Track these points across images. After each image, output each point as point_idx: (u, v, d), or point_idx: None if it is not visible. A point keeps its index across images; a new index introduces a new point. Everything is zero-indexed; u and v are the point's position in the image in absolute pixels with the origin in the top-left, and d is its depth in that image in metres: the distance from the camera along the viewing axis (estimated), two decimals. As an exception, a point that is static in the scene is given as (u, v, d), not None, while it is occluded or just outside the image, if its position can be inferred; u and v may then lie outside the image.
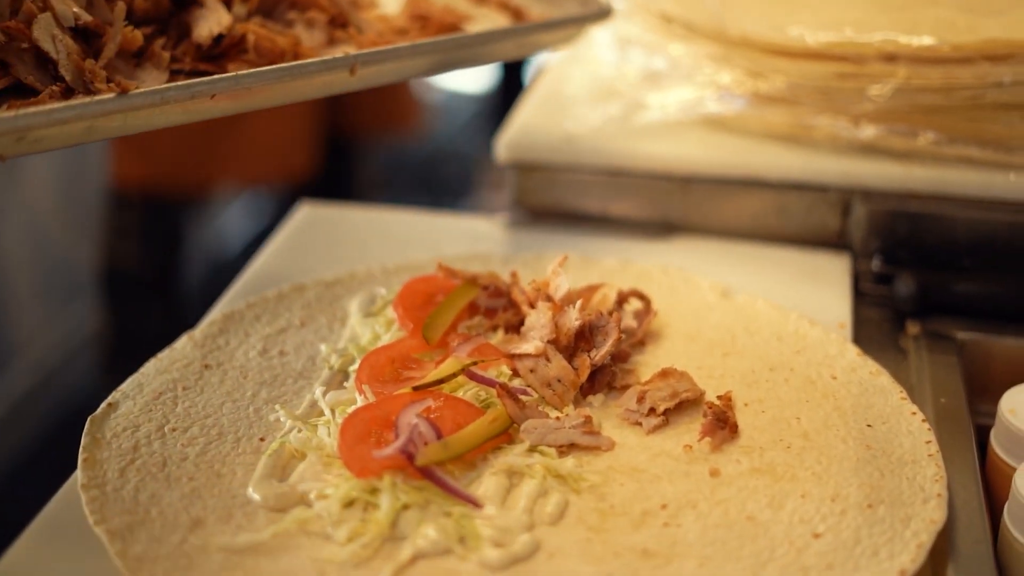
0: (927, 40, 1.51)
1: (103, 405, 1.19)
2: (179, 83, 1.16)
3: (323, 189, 3.26)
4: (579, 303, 1.25)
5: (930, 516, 1.08)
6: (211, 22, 1.29)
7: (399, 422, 1.10)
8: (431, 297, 1.33)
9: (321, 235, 1.61)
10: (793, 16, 1.63)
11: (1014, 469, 1.26)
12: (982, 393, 1.40)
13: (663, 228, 1.63)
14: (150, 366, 1.26)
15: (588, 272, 1.46)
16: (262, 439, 1.16)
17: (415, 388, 1.16)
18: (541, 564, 1.01)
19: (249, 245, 3.52)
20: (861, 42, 1.53)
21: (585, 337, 1.25)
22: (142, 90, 1.13)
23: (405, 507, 1.05)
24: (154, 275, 3.27)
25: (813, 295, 1.48)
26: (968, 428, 1.28)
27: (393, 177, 4.50)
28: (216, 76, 1.19)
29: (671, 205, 1.62)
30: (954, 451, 1.22)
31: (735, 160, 1.61)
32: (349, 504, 1.06)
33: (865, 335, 1.43)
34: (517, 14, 1.54)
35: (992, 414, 1.32)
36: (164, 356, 1.28)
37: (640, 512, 1.08)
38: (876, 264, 1.54)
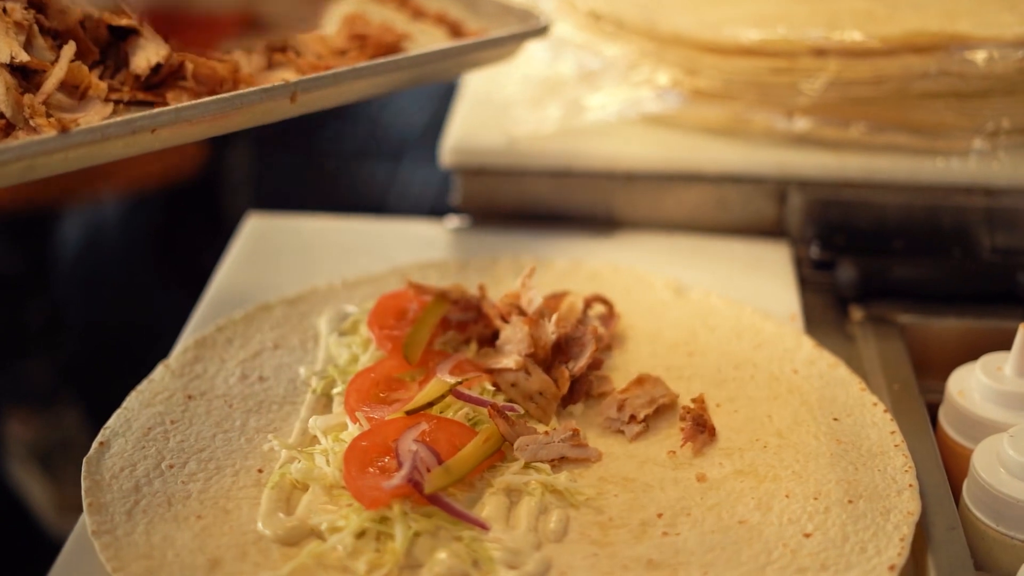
0: (856, 35, 1.57)
1: (95, 444, 1.20)
2: (119, 119, 1.17)
3: (206, 187, 3.23)
4: (555, 317, 1.29)
5: (907, 508, 1.14)
6: (149, 52, 1.29)
7: (399, 449, 1.13)
8: (403, 314, 1.35)
9: (272, 247, 1.63)
10: (719, 11, 1.68)
11: (964, 448, 1.33)
12: (926, 372, 1.46)
13: (608, 224, 1.68)
14: (133, 399, 1.27)
15: (541, 275, 1.49)
16: (260, 470, 1.18)
17: (407, 412, 1.19)
18: (555, 583, 1.06)
19: (130, 246, 3.48)
20: (793, 39, 1.59)
21: (562, 349, 1.29)
22: (83, 127, 1.14)
23: (416, 534, 1.08)
24: (25, 275, 3.21)
25: (760, 286, 1.54)
26: (924, 414, 1.35)
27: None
28: (157, 110, 1.20)
29: (615, 202, 1.67)
30: (914, 437, 1.28)
31: (675, 155, 1.66)
32: (361, 535, 1.09)
33: (812, 322, 1.50)
34: (455, 29, 1.56)
35: (936, 391, 1.39)
36: (144, 388, 1.29)
37: (639, 523, 1.12)
38: (814, 251, 1.61)
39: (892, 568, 1.07)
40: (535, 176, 1.67)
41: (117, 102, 1.26)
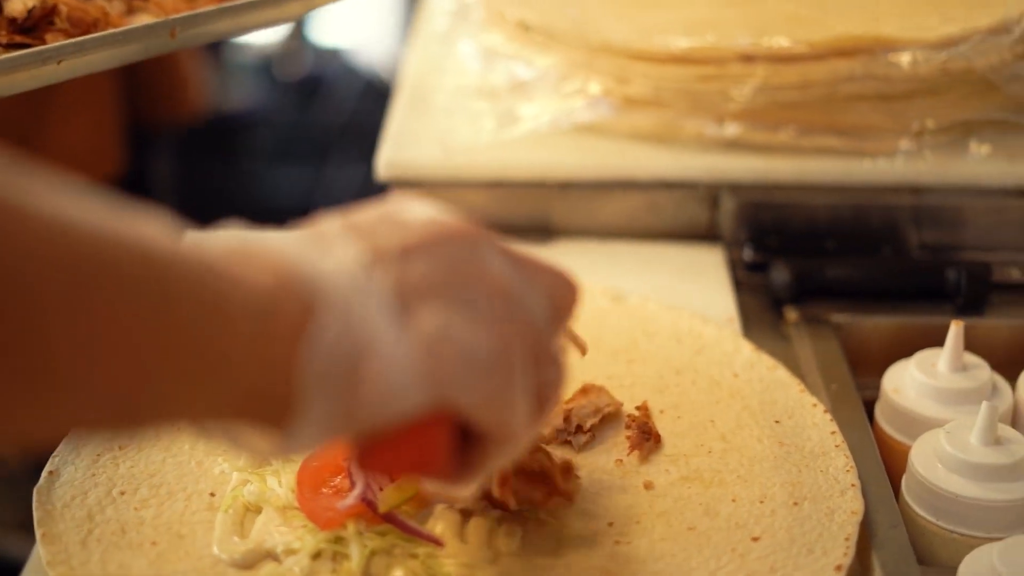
0: (783, 41, 1.60)
1: (44, 474, 1.20)
2: (29, 50, 1.21)
3: (135, 187, 3.20)
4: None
5: (850, 508, 1.17)
6: None
7: (352, 468, 1.14)
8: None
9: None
10: (649, 17, 1.70)
11: (901, 444, 1.37)
12: (861, 370, 1.49)
13: (544, 233, 1.69)
14: (79, 426, 1.27)
15: (482, 285, 1.51)
16: (212, 494, 1.19)
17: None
18: (513, 597, 1.07)
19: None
20: (721, 46, 1.62)
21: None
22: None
23: (372, 553, 1.09)
24: None
25: (696, 290, 1.57)
26: (862, 412, 1.38)
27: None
28: (61, 43, 1.24)
29: (550, 211, 1.69)
30: (853, 436, 1.30)
31: (608, 163, 1.68)
32: (316, 556, 1.09)
33: (748, 324, 1.52)
34: None
35: (871, 387, 1.43)
36: (90, 415, 1.28)
37: (591, 532, 1.14)
38: (748, 253, 1.64)
39: (839, 568, 1.09)
40: (471, 187, 1.68)
41: None
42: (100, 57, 1.28)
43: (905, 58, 1.59)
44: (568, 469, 1.17)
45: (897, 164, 1.65)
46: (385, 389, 0.81)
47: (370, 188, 1.69)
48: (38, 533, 1.13)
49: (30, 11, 1.29)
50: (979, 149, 1.66)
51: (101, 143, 3.16)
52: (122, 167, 3.21)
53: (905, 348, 1.50)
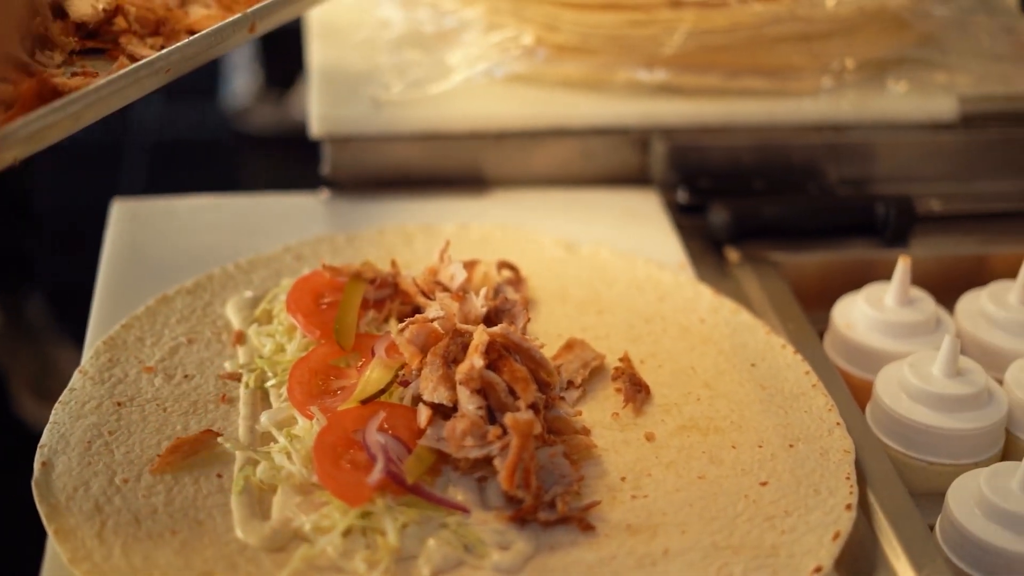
0: (711, -15, 1.63)
1: (37, 465, 1.16)
2: (141, 63, 1.22)
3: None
4: (483, 291, 1.31)
5: (841, 446, 1.22)
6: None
7: (368, 442, 1.14)
8: (319, 296, 1.35)
9: (149, 233, 1.58)
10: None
11: (852, 376, 1.43)
12: (805, 306, 1.54)
13: (479, 184, 1.69)
14: (60, 412, 1.23)
15: (431, 242, 1.50)
16: (219, 475, 1.17)
17: (362, 402, 1.19)
18: (548, 559, 1.09)
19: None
20: (649, -8, 1.64)
21: (492, 322, 1.30)
22: (123, 71, 1.20)
23: (404, 526, 1.09)
24: None
25: (641, 235, 1.60)
26: (822, 350, 1.43)
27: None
28: (166, 51, 1.25)
29: (484, 161, 1.69)
30: (821, 374, 1.35)
31: (540, 112, 1.69)
32: (347, 533, 1.09)
33: (693, 267, 1.56)
34: None
35: (816, 322, 1.48)
36: (69, 399, 1.25)
37: (606, 488, 1.16)
38: (682, 196, 1.67)
39: (849, 507, 1.14)
40: (404, 141, 1.67)
41: (71, 52, 1.28)
42: (198, 58, 1.29)
43: (831, 0, 1.63)
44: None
45: (820, 103, 1.70)
46: None
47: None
48: (49, 529, 1.09)
49: (104, 11, 1.28)
50: (896, 86, 1.72)
51: None
52: None
53: (839, 281, 1.57)
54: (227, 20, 1.31)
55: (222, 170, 4.07)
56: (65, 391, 1.26)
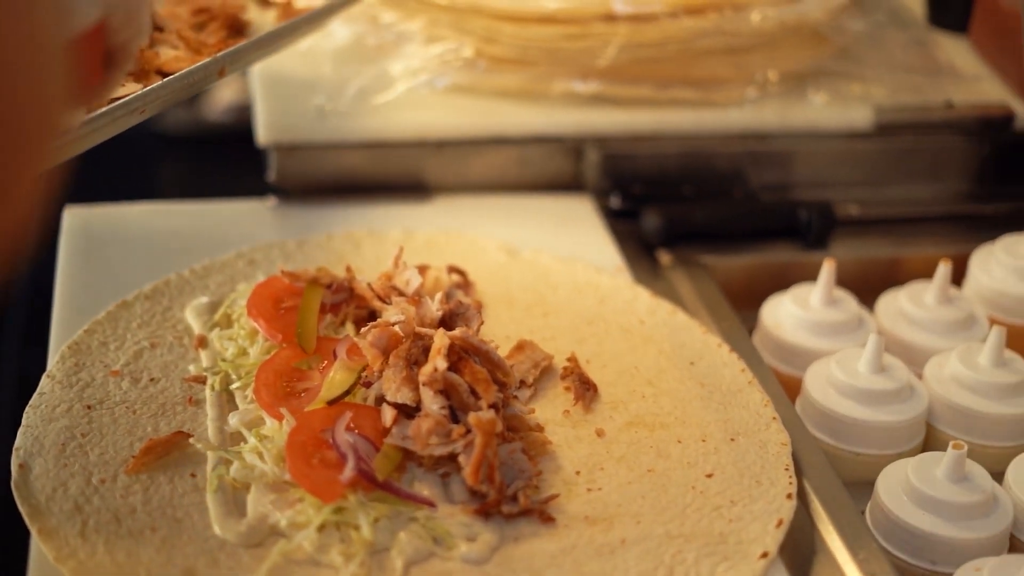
0: (642, 1, 1.71)
1: (15, 468, 1.20)
2: (123, 100, 1.26)
3: None
4: (438, 295, 1.37)
5: (778, 439, 1.30)
6: None
7: (338, 441, 1.19)
8: (279, 301, 1.40)
9: (103, 240, 1.61)
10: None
11: (782, 373, 1.51)
12: (734, 305, 1.62)
13: (421, 191, 1.75)
14: (32, 415, 1.26)
15: (378, 247, 1.56)
16: (193, 475, 1.21)
17: (329, 403, 1.25)
18: (513, 549, 1.15)
19: None
20: (584, 6, 1.71)
21: (447, 326, 1.37)
22: (97, 112, 1.23)
23: (376, 520, 1.15)
24: None
25: (577, 239, 1.66)
26: (753, 347, 1.52)
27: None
28: (142, 91, 1.29)
29: (426, 169, 1.75)
30: (755, 372, 1.43)
31: (480, 121, 1.75)
32: (322, 528, 1.15)
33: (629, 270, 1.63)
34: None
35: (744, 321, 1.57)
36: (39, 403, 1.28)
37: (562, 482, 1.23)
38: (615, 201, 1.75)
39: (790, 496, 1.22)
40: (349, 149, 1.72)
41: None
42: (170, 99, 1.34)
43: (756, 16, 1.72)
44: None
45: (745, 113, 1.79)
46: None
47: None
48: (32, 529, 1.14)
49: None
50: (816, 97, 1.82)
51: None
52: None
53: (765, 282, 1.66)
54: (198, 64, 1.35)
55: (139, 169, 4.06)
56: (35, 395, 1.30)
